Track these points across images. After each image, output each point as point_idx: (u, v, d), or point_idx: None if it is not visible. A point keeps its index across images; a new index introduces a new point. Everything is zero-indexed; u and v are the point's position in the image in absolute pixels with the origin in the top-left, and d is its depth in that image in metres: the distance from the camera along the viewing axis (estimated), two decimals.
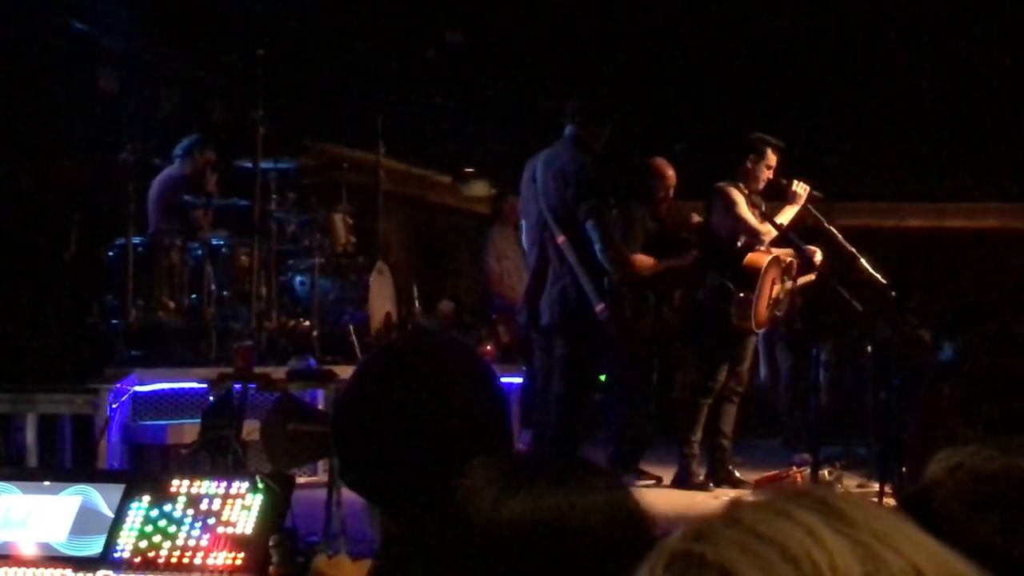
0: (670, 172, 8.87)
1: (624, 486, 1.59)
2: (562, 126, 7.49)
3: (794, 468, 8.39)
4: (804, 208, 8.41)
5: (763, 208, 8.39)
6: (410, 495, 1.98)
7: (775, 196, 8.53)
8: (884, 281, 8.02)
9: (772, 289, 8.33)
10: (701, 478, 8.33)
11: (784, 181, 8.40)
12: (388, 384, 2.14)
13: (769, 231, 8.25)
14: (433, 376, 2.13)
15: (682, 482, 8.36)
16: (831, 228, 8.33)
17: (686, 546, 0.95)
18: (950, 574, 0.96)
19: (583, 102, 7.45)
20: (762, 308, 8.24)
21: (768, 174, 8.38)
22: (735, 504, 0.99)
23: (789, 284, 8.48)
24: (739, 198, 8.28)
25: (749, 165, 8.38)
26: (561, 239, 7.23)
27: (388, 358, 2.24)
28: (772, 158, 8.39)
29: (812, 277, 8.43)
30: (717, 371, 8.33)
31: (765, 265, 8.20)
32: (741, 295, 8.16)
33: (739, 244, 8.29)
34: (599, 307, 7.13)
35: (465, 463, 1.57)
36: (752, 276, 8.18)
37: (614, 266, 7.23)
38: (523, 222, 7.74)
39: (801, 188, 8.26)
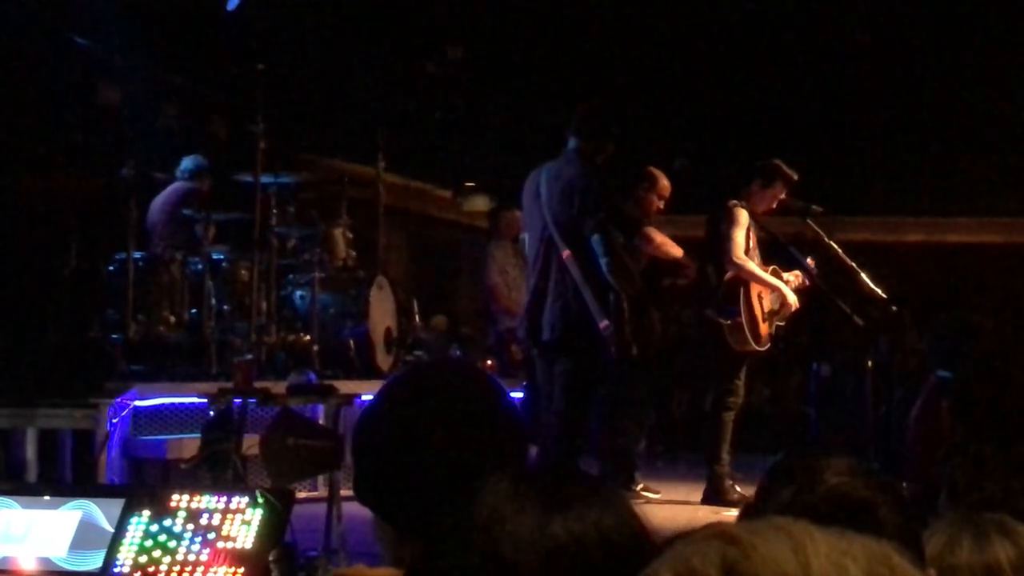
0: (664, 182, 8.77)
1: (631, 506, 1.61)
2: (562, 140, 7.48)
3: None
4: (804, 223, 8.40)
5: (759, 236, 8.36)
6: (427, 516, 2.02)
7: (772, 211, 8.54)
8: (884, 296, 8.03)
9: (762, 303, 8.30)
10: (735, 495, 8.19)
11: (783, 196, 8.39)
12: (412, 407, 2.18)
13: (745, 264, 8.18)
14: (456, 400, 2.18)
15: (713, 499, 8.24)
16: (831, 243, 8.33)
17: None
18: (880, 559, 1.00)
19: (587, 114, 7.42)
20: (758, 324, 8.22)
21: (771, 204, 8.34)
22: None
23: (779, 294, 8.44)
24: (742, 220, 8.23)
25: (755, 188, 8.34)
26: (566, 254, 7.20)
27: (412, 381, 2.30)
28: (781, 190, 8.33)
29: (806, 282, 8.41)
30: (735, 386, 8.32)
31: (742, 286, 8.17)
32: (729, 322, 8.13)
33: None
34: (603, 323, 7.12)
35: (479, 480, 1.59)
36: (733, 298, 8.16)
37: (620, 281, 7.21)
38: (525, 235, 7.71)
39: (793, 276, 8.29)
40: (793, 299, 8.26)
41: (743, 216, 8.23)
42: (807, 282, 8.45)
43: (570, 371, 7.23)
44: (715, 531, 1.01)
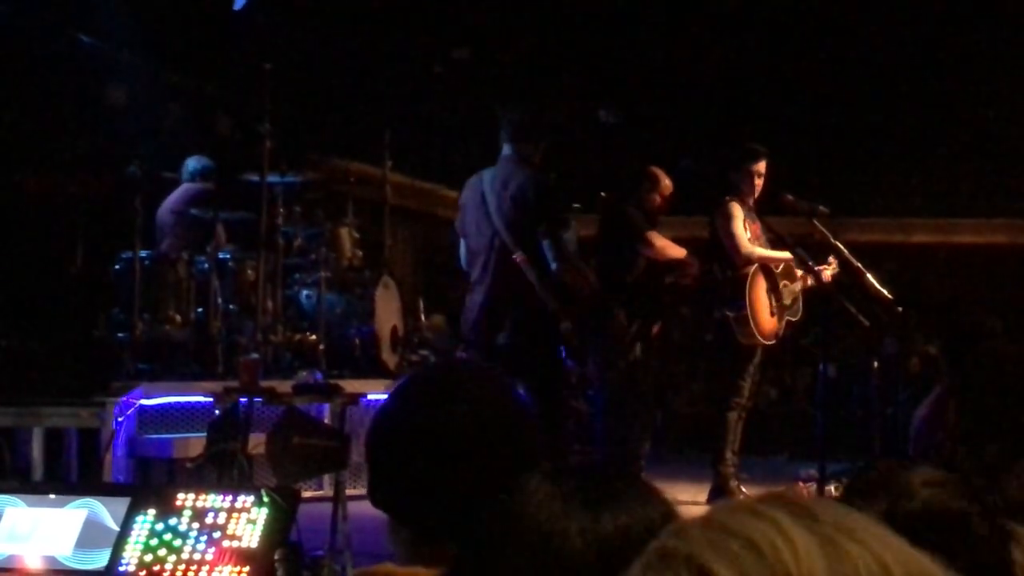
0: (666, 181, 8.74)
1: (670, 502, 1.61)
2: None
3: (800, 484, 8.36)
4: (810, 223, 8.40)
5: (759, 224, 8.38)
6: (447, 518, 2.06)
7: (778, 212, 8.54)
8: (891, 297, 8.02)
9: (771, 297, 8.31)
10: (740, 496, 8.18)
11: (790, 197, 8.39)
12: (430, 409, 2.18)
13: (753, 252, 8.22)
14: (473, 402, 2.17)
15: (718, 499, 8.25)
16: (838, 243, 8.32)
17: (662, 543, 1.02)
18: (917, 571, 0.99)
19: (520, 120, 7.50)
20: (763, 318, 8.22)
21: (756, 183, 8.38)
22: (712, 507, 1.05)
23: (798, 285, 8.45)
24: (737, 213, 8.29)
25: (733, 178, 8.39)
26: (520, 257, 7.24)
27: (429, 383, 2.30)
28: (757, 166, 8.38)
29: (811, 281, 8.41)
30: (740, 386, 8.32)
31: (749, 275, 8.20)
32: (735, 315, 8.15)
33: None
34: (563, 324, 7.20)
35: (514, 479, 1.59)
36: (739, 291, 8.18)
37: (572, 283, 7.26)
38: (463, 241, 7.69)
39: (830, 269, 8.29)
40: (833, 268, 8.29)
41: (735, 208, 8.29)
42: (814, 281, 8.45)
43: (530, 374, 7.23)
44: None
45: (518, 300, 7.25)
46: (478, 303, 7.41)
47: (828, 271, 8.35)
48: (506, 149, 7.42)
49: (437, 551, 2.08)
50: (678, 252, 8.59)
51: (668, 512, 1.57)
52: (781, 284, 8.40)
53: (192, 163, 9.80)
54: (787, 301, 8.41)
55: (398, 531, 2.19)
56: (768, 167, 8.45)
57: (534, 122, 7.57)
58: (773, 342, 8.40)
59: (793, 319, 8.52)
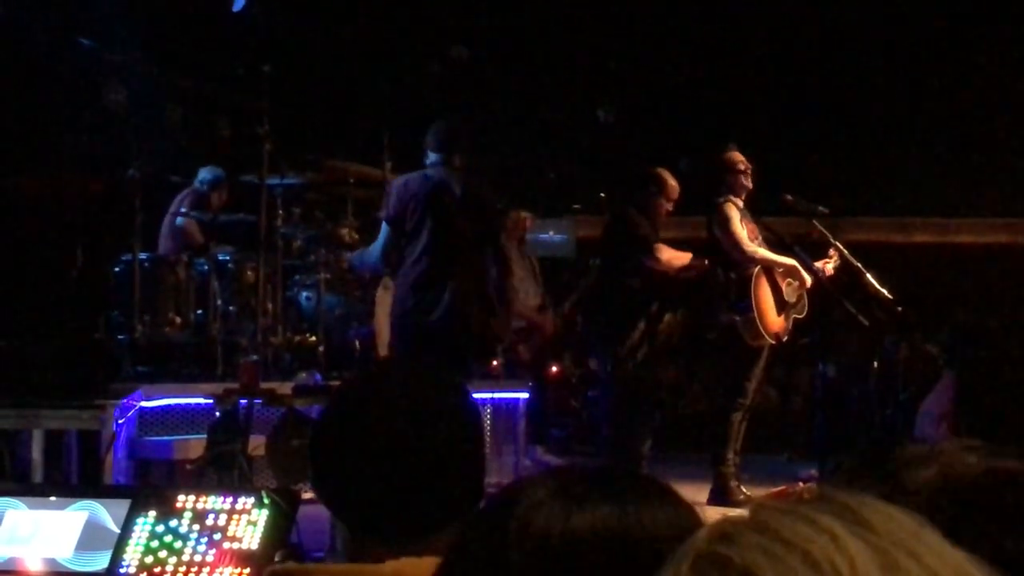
0: (673, 183, 8.69)
1: (687, 502, 1.59)
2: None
3: (800, 484, 8.35)
4: (810, 223, 8.40)
5: (755, 224, 8.38)
6: (380, 517, 2.10)
7: (779, 212, 8.53)
8: (891, 297, 8.01)
9: (778, 296, 8.30)
10: (742, 496, 8.17)
11: (790, 197, 8.39)
12: (360, 409, 2.20)
13: (756, 252, 8.23)
14: (407, 402, 2.19)
15: (719, 499, 8.23)
16: (837, 243, 8.32)
17: (712, 548, 0.97)
18: None
19: (445, 130, 7.78)
20: (770, 319, 8.21)
21: (746, 174, 8.36)
22: (760, 508, 1.00)
23: (797, 284, 8.43)
24: (733, 214, 8.27)
25: (723, 177, 8.38)
26: (476, 259, 7.53)
27: (363, 384, 2.34)
28: (735, 155, 8.38)
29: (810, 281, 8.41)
30: (744, 387, 8.31)
31: (753, 276, 8.19)
32: (742, 318, 8.14)
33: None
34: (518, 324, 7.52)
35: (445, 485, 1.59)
36: (744, 292, 8.17)
37: (514, 290, 7.68)
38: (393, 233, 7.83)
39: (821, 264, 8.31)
40: (835, 262, 8.30)
41: (731, 210, 8.28)
42: (815, 280, 8.44)
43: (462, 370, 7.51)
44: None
45: (467, 302, 7.48)
46: (447, 301, 7.52)
47: (830, 264, 8.34)
48: (433, 157, 7.66)
49: (371, 548, 2.12)
50: (684, 260, 8.57)
51: (693, 514, 1.55)
52: (784, 283, 8.38)
53: (204, 172, 9.86)
54: (792, 299, 8.39)
55: (340, 528, 2.24)
56: (751, 161, 8.43)
57: (458, 132, 7.91)
58: (782, 341, 8.39)
59: (800, 316, 8.51)
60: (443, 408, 2.21)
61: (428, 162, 7.68)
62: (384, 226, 7.66)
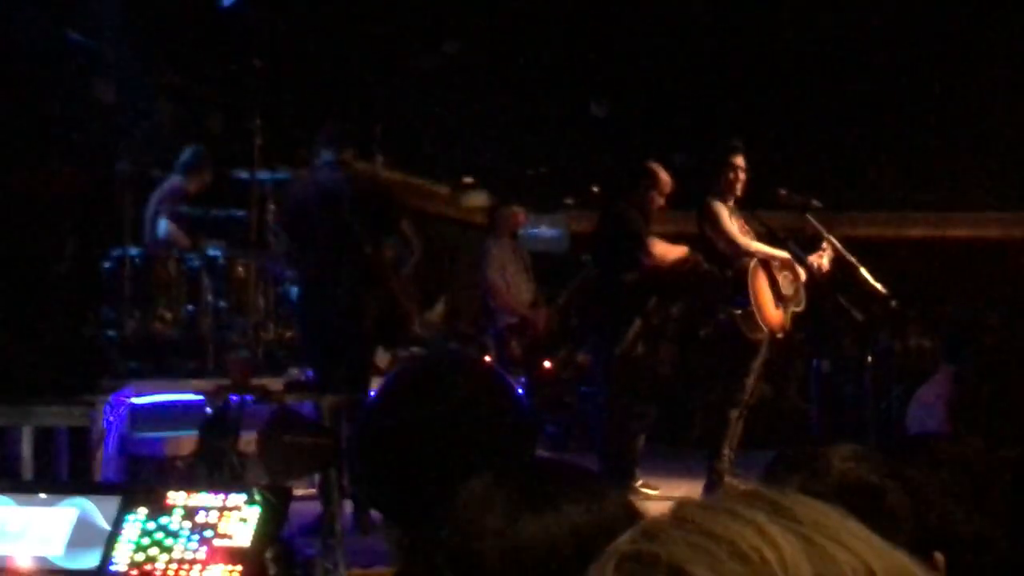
0: (665, 176, 8.69)
1: (623, 495, 1.58)
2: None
3: None
4: (803, 217, 8.39)
5: (742, 220, 8.38)
6: (429, 513, 2.02)
7: (772, 206, 8.51)
8: (885, 291, 8.00)
9: (775, 288, 8.29)
10: None
11: (784, 191, 8.37)
12: (414, 403, 2.14)
13: (750, 245, 8.25)
14: (459, 395, 2.14)
15: None
16: (831, 238, 8.31)
17: (636, 547, 0.96)
18: (899, 571, 0.97)
19: (339, 129, 7.98)
20: (768, 311, 8.20)
21: (740, 177, 8.36)
22: (683, 505, 0.99)
23: (793, 277, 8.42)
24: (721, 211, 8.29)
25: (714, 174, 8.38)
26: (366, 257, 7.70)
27: (414, 376, 2.27)
28: (739, 159, 8.37)
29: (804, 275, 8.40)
30: (743, 383, 8.29)
31: (750, 270, 8.18)
32: (741, 312, 8.13)
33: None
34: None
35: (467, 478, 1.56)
36: (741, 287, 8.17)
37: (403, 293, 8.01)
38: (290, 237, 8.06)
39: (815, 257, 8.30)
40: (829, 256, 8.30)
41: (718, 207, 8.31)
42: (809, 274, 8.43)
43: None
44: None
45: (358, 297, 7.69)
46: (341, 299, 7.63)
47: (824, 258, 8.33)
48: (326, 155, 7.81)
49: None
50: (678, 252, 8.56)
51: (628, 510, 1.53)
52: (780, 276, 8.38)
53: (184, 153, 9.74)
54: (789, 292, 8.38)
55: (390, 530, 2.16)
56: (748, 161, 8.43)
57: (352, 131, 8.19)
58: (781, 334, 8.38)
59: (798, 309, 8.49)
60: (490, 402, 2.16)
61: (319, 161, 7.83)
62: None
